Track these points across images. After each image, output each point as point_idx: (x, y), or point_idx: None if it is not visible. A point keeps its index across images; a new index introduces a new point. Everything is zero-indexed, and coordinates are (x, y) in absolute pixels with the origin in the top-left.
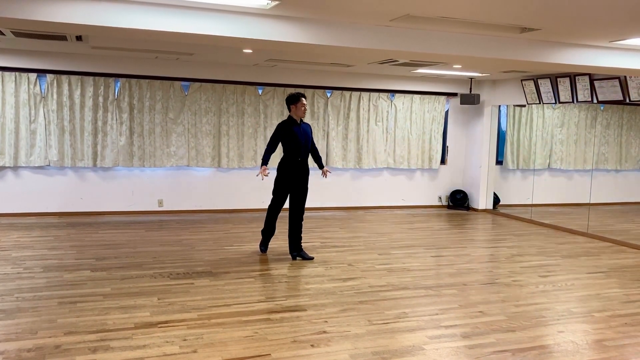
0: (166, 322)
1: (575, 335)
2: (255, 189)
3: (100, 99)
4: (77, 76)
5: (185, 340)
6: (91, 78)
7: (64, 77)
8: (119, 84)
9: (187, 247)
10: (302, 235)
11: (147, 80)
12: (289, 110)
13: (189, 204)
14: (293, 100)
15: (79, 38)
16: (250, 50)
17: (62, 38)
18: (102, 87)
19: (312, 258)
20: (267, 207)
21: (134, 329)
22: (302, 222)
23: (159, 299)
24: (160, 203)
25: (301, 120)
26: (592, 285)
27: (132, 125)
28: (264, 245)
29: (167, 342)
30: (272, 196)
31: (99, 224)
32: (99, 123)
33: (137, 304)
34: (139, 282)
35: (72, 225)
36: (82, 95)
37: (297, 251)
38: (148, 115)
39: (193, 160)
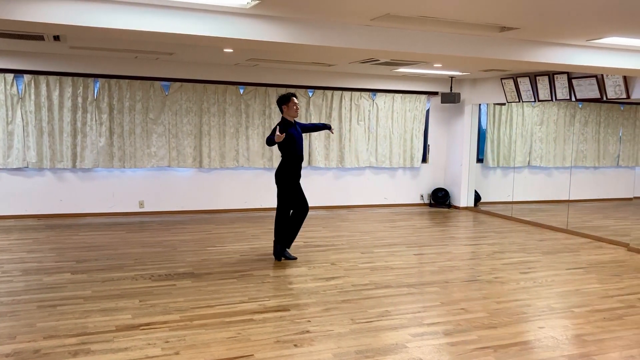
0: (148, 324)
1: (555, 330)
2: (238, 189)
3: (79, 99)
4: (55, 76)
5: (167, 342)
6: (70, 78)
7: (41, 78)
8: (98, 85)
9: (169, 248)
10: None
11: (126, 81)
12: (281, 111)
13: (170, 205)
14: (284, 101)
15: (56, 38)
16: (231, 50)
17: (40, 38)
18: (80, 88)
19: (295, 258)
20: (248, 207)
21: (116, 332)
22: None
23: (140, 301)
24: (141, 204)
25: (294, 120)
26: (572, 281)
27: (111, 126)
28: (281, 254)
29: (149, 344)
30: (281, 205)
31: (79, 226)
32: (78, 124)
33: (119, 307)
34: (120, 284)
35: (52, 227)
36: (61, 95)
37: (284, 248)
38: (128, 116)
39: (174, 161)
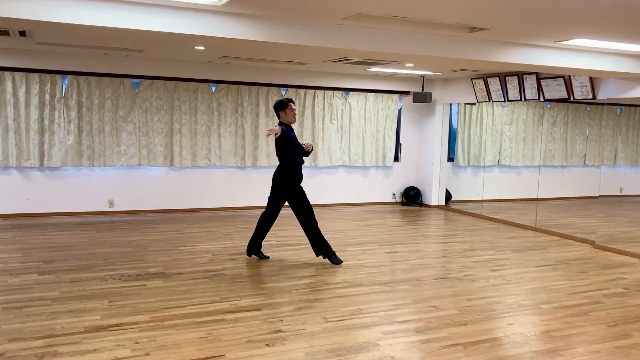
0: (117, 325)
1: (524, 327)
2: (209, 188)
3: (47, 96)
4: (21, 73)
5: (137, 343)
6: (36, 75)
7: (7, 74)
8: (66, 81)
9: (139, 248)
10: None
11: (95, 78)
12: (278, 117)
13: (140, 204)
14: (282, 107)
15: (22, 33)
16: (202, 47)
17: (4, 33)
18: (48, 85)
19: (267, 257)
20: (220, 206)
21: (84, 333)
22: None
23: (110, 302)
24: (111, 203)
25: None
26: (540, 278)
27: (80, 124)
28: (334, 255)
29: (119, 345)
30: (270, 204)
31: (46, 226)
32: (46, 121)
33: (87, 307)
34: (89, 284)
35: (18, 227)
36: (27, 92)
37: (326, 252)
38: (97, 114)
39: (144, 159)
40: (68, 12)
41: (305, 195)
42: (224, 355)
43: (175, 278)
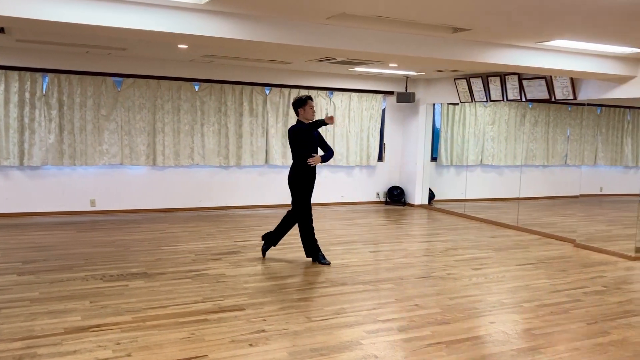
0: (99, 325)
1: (505, 325)
2: (192, 188)
3: (27, 94)
4: (0, 70)
5: (118, 344)
6: (16, 73)
7: None
8: (47, 80)
9: (121, 248)
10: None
11: (77, 76)
12: (297, 114)
13: (123, 204)
14: (301, 104)
15: (1, 30)
16: (185, 46)
17: None
18: (28, 83)
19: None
20: (203, 205)
21: (64, 334)
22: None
23: (91, 302)
24: (93, 203)
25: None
26: (522, 277)
27: (61, 123)
28: (322, 257)
29: (100, 346)
30: (298, 208)
31: (26, 226)
32: (26, 120)
33: (68, 308)
34: (70, 285)
35: None
36: (7, 90)
37: (315, 254)
38: (79, 112)
39: (127, 159)
40: (49, 10)
41: (309, 196)
42: (207, 355)
43: (157, 278)
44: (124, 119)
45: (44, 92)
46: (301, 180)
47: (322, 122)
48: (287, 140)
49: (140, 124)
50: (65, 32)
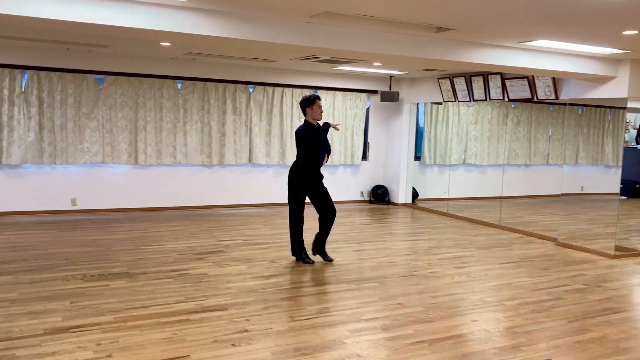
0: (79, 326)
1: (487, 323)
2: (175, 187)
3: (5, 92)
4: None
5: (99, 344)
6: None
7: None
8: (26, 77)
9: (103, 247)
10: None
11: (57, 73)
12: (304, 113)
13: (104, 203)
14: (308, 103)
15: None
16: (168, 44)
17: None
18: (7, 80)
19: (331, 260)
20: (186, 204)
21: (43, 336)
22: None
23: (71, 303)
24: (74, 202)
25: (317, 123)
26: (504, 275)
27: (41, 120)
28: (306, 256)
29: (80, 347)
30: (289, 204)
31: (5, 225)
32: (4, 117)
33: (47, 309)
34: (50, 285)
35: None
36: None
37: (320, 251)
38: (59, 110)
39: (108, 157)
40: (27, 5)
41: (304, 196)
42: (189, 355)
43: (139, 278)
44: (106, 117)
45: (23, 90)
46: (298, 178)
47: (329, 126)
48: (271, 139)
49: (122, 122)
50: (45, 29)
